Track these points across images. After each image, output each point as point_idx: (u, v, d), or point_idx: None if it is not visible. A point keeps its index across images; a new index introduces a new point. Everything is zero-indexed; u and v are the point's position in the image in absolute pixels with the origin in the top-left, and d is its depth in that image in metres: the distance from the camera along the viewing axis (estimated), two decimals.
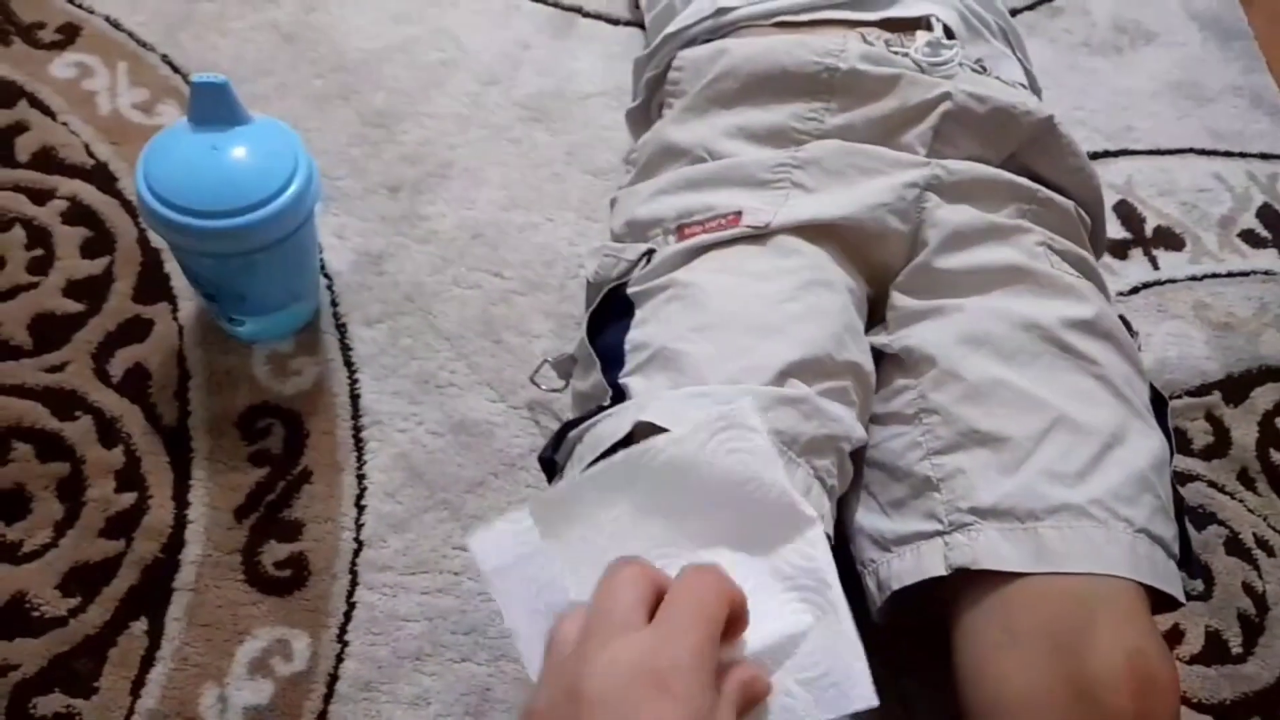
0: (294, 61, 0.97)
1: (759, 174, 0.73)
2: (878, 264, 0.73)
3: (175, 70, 0.94)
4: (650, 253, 0.71)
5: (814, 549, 0.48)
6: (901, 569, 0.64)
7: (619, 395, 0.63)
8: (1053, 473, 0.62)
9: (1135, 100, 1.12)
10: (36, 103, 0.89)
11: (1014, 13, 1.17)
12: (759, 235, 0.70)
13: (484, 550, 0.47)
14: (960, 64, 0.76)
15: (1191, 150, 1.09)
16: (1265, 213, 1.04)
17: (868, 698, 0.47)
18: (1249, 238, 1.02)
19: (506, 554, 0.47)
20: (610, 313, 0.69)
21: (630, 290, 0.69)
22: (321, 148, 0.91)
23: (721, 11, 0.81)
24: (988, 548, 0.61)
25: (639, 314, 0.68)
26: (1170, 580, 0.63)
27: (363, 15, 1.02)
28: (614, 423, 0.61)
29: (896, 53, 0.76)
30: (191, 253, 0.72)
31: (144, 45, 0.95)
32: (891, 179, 0.72)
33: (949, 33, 0.79)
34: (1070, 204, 0.75)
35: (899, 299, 0.72)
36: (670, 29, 0.85)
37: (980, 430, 0.64)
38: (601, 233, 0.89)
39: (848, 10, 0.79)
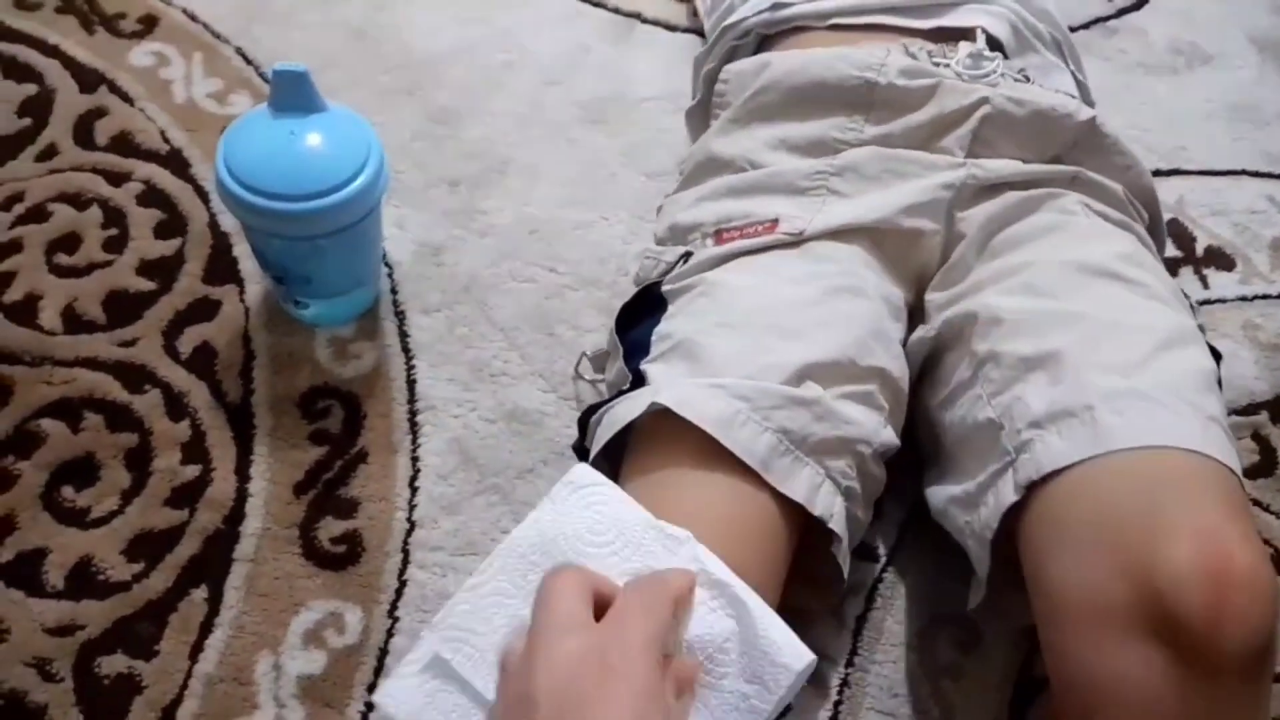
0: (363, 57, 1.00)
1: (797, 182, 0.75)
2: (915, 267, 0.75)
3: (248, 62, 0.97)
4: (688, 255, 0.73)
5: (700, 559, 0.52)
6: (987, 516, 0.62)
7: (639, 381, 0.65)
8: (1107, 365, 0.60)
9: (1189, 121, 1.11)
10: (116, 89, 0.93)
11: (1071, 30, 1.17)
12: (794, 242, 0.72)
13: (395, 702, 0.50)
14: (1002, 74, 0.77)
15: (1245, 172, 1.08)
16: None
17: (802, 654, 0.51)
18: None
19: (415, 698, 0.50)
20: (644, 309, 0.72)
21: (664, 288, 0.72)
22: (386, 141, 0.90)
23: (777, 6, 0.83)
24: (1047, 452, 0.58)
25: (670, 309, 0.70)
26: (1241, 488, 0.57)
27: (430, 15, 1.04)
28: (629, 404, 0.63)
29: (938, 64, 0.77)
30: (263, 234, 0.74)
31: (219, 37, 0.98)
32: (926, 180, 0.73)
33: (996, 44, 0.80)
34: (1118, 186, 0.75)
35: (934, 295, 0.73)
36: (728, 20, 0.87)
37: (1030, 356, 0.63)
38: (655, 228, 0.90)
39: (899, 16, 0.81)
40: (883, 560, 0.75)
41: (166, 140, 0.90)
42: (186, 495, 0.73)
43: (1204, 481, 0.55)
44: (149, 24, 0.98)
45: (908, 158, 0.74)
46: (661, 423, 0.61)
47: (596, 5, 1.09)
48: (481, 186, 0.92)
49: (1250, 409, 0.90)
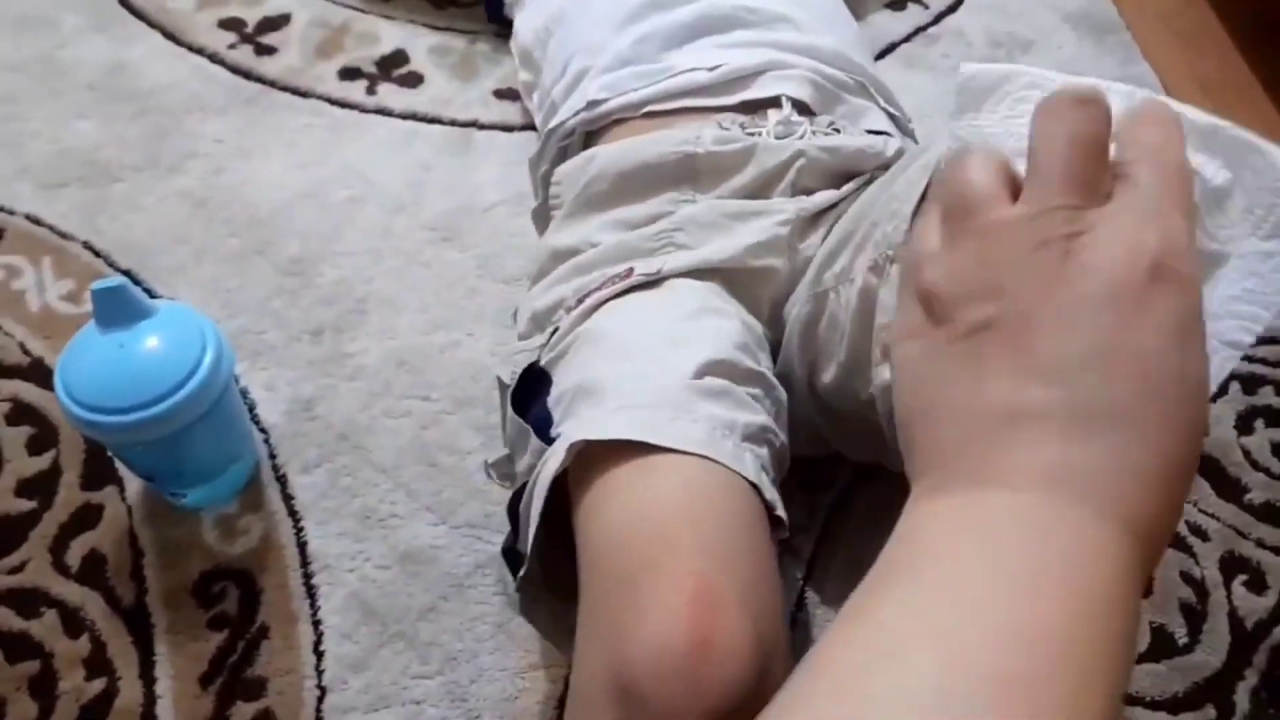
0: (208, 224, 1.00)
1: (641, 245, 0.77)
2: (768, 300, 0.77)
3: (97, 255, 0.96)
4: (555, 330, 0.74)
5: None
6: None
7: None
8: None
9: None
10: None
11: (891, 47, 1.20)
12: (652, 283, 0.74)
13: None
14: (812, 133, 0.80)
15: None
16: None
17: None
18: None
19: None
20: (531, 391, 0.72)
21: (543, 363, 0.72)
22: (243, 305, 0.94)
23: (593, 104, 0.86)
24: None
25: (555, 378, 0.71)
26: None
27: (269, 166, 1.05)
28: (551, 462, 0.62)
29: (751, 133, 0.80)
30: (121, 445, 0.74)
31: (65, 236, 0.98)
32: (764, 220, 0.76)
33: (803, 106, 0.82)
34: None
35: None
36: (552, 124, 0.89)
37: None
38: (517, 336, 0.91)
39: (706, 97, 0.83)
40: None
41: (26, 352, 0.90)
42: (96, 711, 0.72)
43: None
44: None
45: (741, 206, 0.77)
46: (594, 462, 0.61)
47: (431, 121, 1.10)
48: (344, 330, 0.93)
49: None
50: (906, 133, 0.89)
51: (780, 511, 0.63)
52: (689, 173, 0.79)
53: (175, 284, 0.95)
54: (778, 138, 0.80)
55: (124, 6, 1.18)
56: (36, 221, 0.99)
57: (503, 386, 0.75)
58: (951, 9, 1.25)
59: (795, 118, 0.81)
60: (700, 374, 0.65)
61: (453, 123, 1.09)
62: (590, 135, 0.87)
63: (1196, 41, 1.24)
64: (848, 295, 0.71)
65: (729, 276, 0.75)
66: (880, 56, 1.18)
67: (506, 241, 0.99)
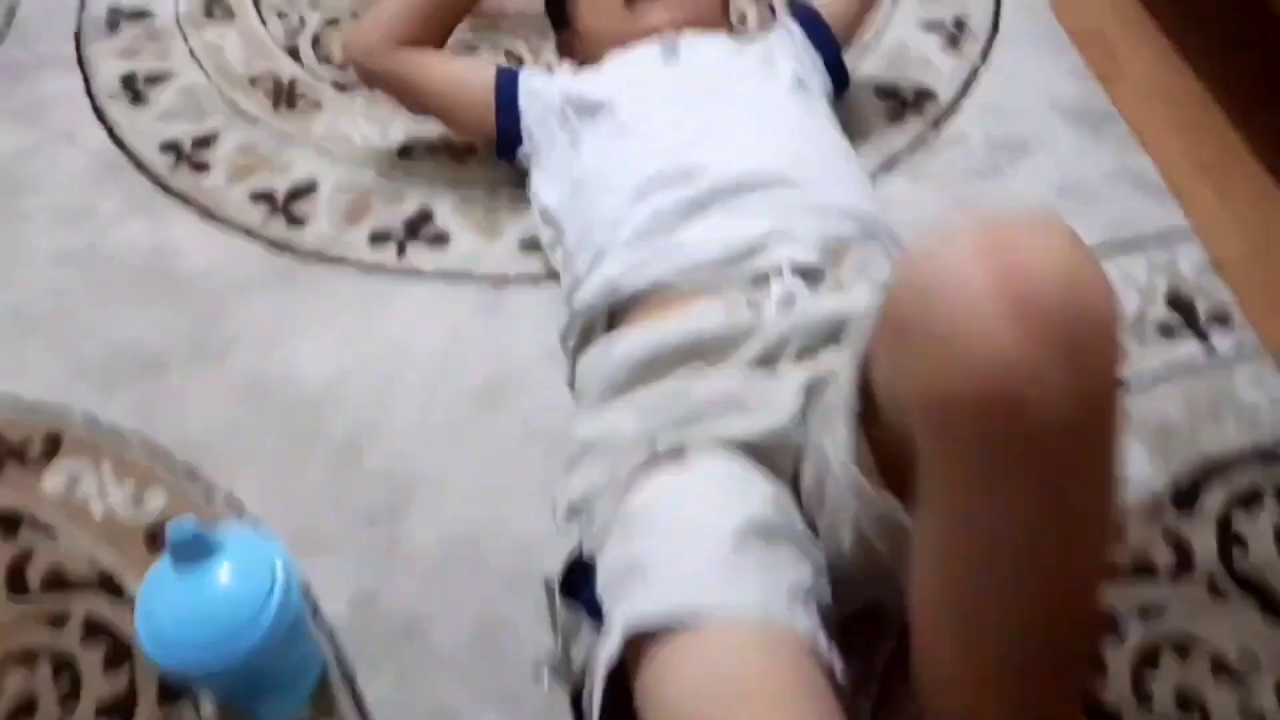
0: (259, 411, 0.97)
1: (663, 424, 0.75)
2: (789, 469, 0.74)
3: (156, 453, 0.94)
4: (592, 519, 0.72)
5: None
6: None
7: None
8: None
9: None
10: (36, 524, 0.90)
11: (893, 159, 1.16)
12: (676, 456, 0.72)
13: None
14: (811, 297, 0.79)
15: None
16: (1172, 297, 1.02)
17: None
18: (1163, 330, 1.00)
19: None
20: (580, 583, 0.70)
21: (587, 555, 0.70)
22: (299, 496, 0.91)
23: (614, 287, 0.85)
24: None
25: (600, 564, 0.69)
26: None
27: (311, 344, 1.02)
28: (607, 648, 0.60)
29: (754, 305, 0.79)
30: (200, 680, 0.72)
31: (122, 435, 0.95)
32: (778, 391, 0.74)
33: (808, 270, 0.80)
34: None
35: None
36: (576, 306, 0.89)
37: None
38: None
39: (718, 270, 0.82)
40: None
41: (95, 564, 0.87)
42: None
43: None
44: (53, 443, 0.95)
45: (754, 378, 0.76)
46: (649, 642, 0.59)
47: (462, 279, 1.07)
48: (397, 514, 0.89)
49: (1155, 507, 0.88)
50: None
51: (839, 672, 0.60)
52: (699, 351, 0.78)
53: (233, 477, 0.92)
54: (779, 305, 0.78)
55: (159, 187, 1.16)
56: (94, 422, 0.97)
57: (549, 589, 0.73)
58: (948, 113, 1.22)
59: (797, 285, 0.79)
60: (740, 537, 0.63)
61: (483, 278, 1.06)
62: (614, 313, 0.86)
63: (1192, 124, 1.20)
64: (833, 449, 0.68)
65: (751, 449, 0.73)
66: (883, 170, 1.15)
67: (546, 403, 0.96)
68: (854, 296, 0.78)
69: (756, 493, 0.69)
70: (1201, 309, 1.00)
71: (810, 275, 0.80)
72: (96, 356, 1.01)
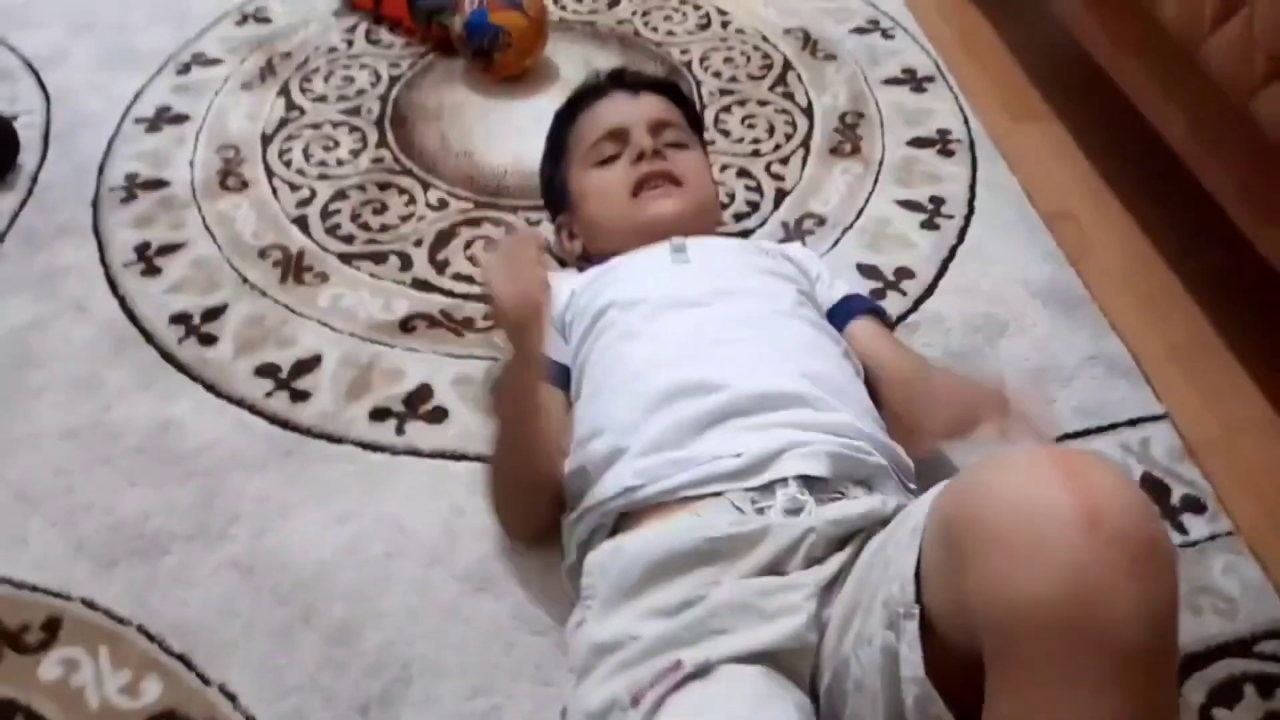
0: (255, 594, 0.99)
1: (681, 634, 0.77)
2: (806, 673, 0.77)
3: (152, 639, 0.95)
4: None
5: None
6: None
7: None
8: None
9: None
10: (32, 716, 0.91)
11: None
12: (703, 673, 0.74)
13: None
14: (817, 505, 0.83)
15: (1064, 436, 1.11)
16: (1146, 483, 1.06)
17: None
18: None
19: None
20: None
21: None
22: (292, 683, 0.92)
23: (630, 490, 0.88)
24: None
25: None
26: None
27: (309, 523, 1.05)
28: None
29: (760, 509, 0.83)
30: None
31: (120, 621, 0.97)
32: (791, 596, 0.78)
33: (814, 483, 0.84)
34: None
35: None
36: (588, 503, 0.91)
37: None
38: (559, 699, 0.89)
39: (732, 481, 0.85)
40: None
41: None
42: None
43: None
44: (52, 629, 0.96)
45: (766, 585, 0.79)
46: None
47: (459, 459, 1.11)
48: (390, 704, 0.91)
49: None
50: (909, 485, 0.91)
51: None
52: (710, 555, 0.81)
53: (227, 665, 0.93)
54: (786, 512, 0.82)
55: (167, 361, 1.21)
56: (92, 606, 0.98)
57: None
58: (928, 293, 1.28)
59: (801, 495, 0.83)
60: None
61: (478, 459, 1.10)
62: (623, 515, 0.89)
63: (1161, 306, 1.26)
64: (869, 656, 0.71)
65: (772, 657, 0.75)
66: None
67: (539, 588, 0.98)
68: (860, 505, 0.83)
69: (784, 713, 0.70)
70: (1175, 495, 1.04)
71: (816, 486, 0.84)
72: (97, 534, 1.04)
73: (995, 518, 0.59)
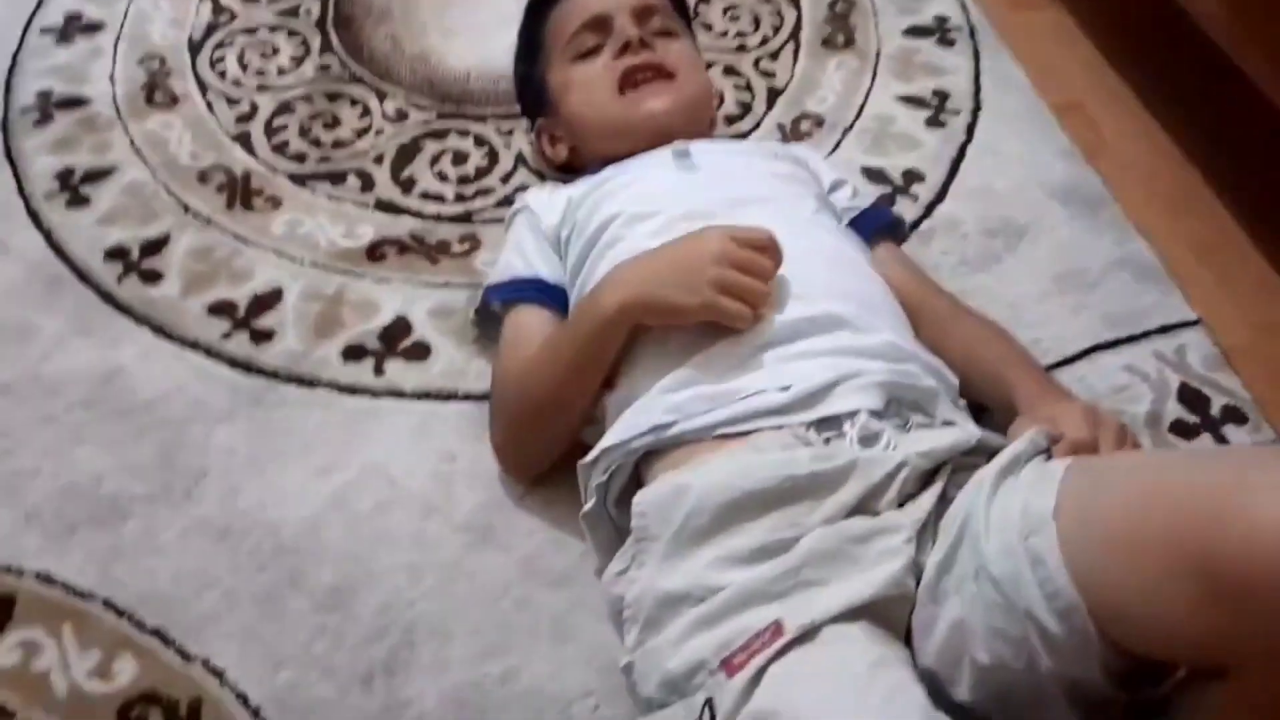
0: (233, 559, 0.90)
1: (770, 589, 0.70)
2: (906, 621, 0.71)
3: (121, 614, 0.87)
4: (708, 702, 0.67)
5: None
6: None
7: None
8: None
9: (1029, 309, 1.08)
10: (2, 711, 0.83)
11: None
12: (807, 636, 0.67)
13: None
14: (896, 444, 0.76)
15: (1096, 348, 1.06)
16: (1185, 394, 1.01)
17: None
18: (1180, 429, 0.99)
19: None
20: None
21: None
22: (285, 655, 0.84)
23: (660, 428, 0.80)
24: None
25: None
26: None
27: (287, 478, 0.96)
28: None
29: (828, 443, 0.76)
30: None
31: (83, 595, 0.88)
32: (889, 540, 0.71)
33: (876, 414, 0.77)
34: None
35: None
36: (608, 441, 0.83)
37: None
38: (581, 656, 0.83)
39: (780, 416, 0.78)
40: None
41: None
42: None
43: None
44: (5, 608, 0.87)
45: (859, 528, 0.72)
46: None
47: (447, 398, 1.02)
48: (396, 672, 0.84)
49: None
50: (958, 402, 0.85)
51: None
52: (792, 495, 0.74)
53: (209, 638, 0.85)
54: (863, 446, 0.76)
55: (107, 302, 1.09)
56: (49, 580, 0.89)
57: None
58: (939, 197, 1.20)
59: (874, 426, 0.77)
60: None
61: (468, 397, 1.01)
62: (646, 454, 0.81)
63: (1185, 204, 1.20)
64: (980, 590, 0.66)
65: (873, 609, 0.69)
66: None
67: (547, 536, 0.91)
68: (947, 435, 0.77)
69: (910, 699, 0.64)
70: (1215, 406, 1.00)
71: (881, 417, 0.77)
72: (47, 503, 0.94)
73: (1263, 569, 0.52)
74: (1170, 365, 1.03)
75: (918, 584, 0.70)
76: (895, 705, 0.63)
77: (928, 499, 0.73)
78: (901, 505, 0.73)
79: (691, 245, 0.83)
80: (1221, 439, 0.98)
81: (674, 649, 0.70)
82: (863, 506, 0.73)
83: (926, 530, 0.72)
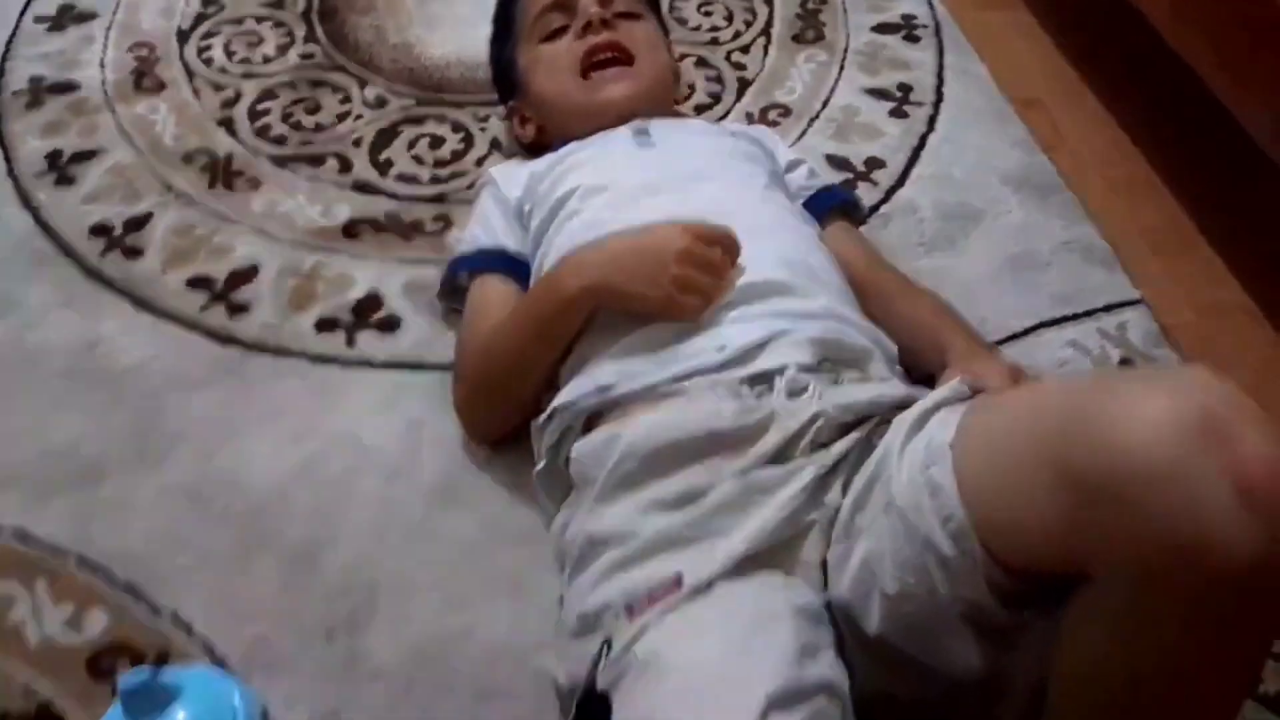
0: (204, 520, 0.93)
1: (681, 534, 0.74)
2: (815, 562, 0.74)
3: (95, 570, 0.89)
4: (608, 641, 0.71)
5: None
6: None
7: None
8: None
9: (980, 289, 1.12)
10: None
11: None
12: (702, 590, 0.70)
13: None
14: (820, 394, 0.79)
15: (1041, 324, 1.09)
16: (1124, 367, 1.04)
17: None
18: None
19: None
20: (592, 711, 0.69)
21: (600, 687, 0.69)
22: (251, 611, 0.87)
23: (604, 389, 0.83)
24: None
25: (615, 706, 0.68)
26: None
27: (259, 443, 0.98)
28: None
29: (761, 395, 0.79)
30: None
31: (57, 551, 0.90)
32: (790, 487, 0.75)
33: (807, 369, 0.80)
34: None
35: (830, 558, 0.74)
36: (558, 402, 0.86)
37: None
38: (539, 611, 0.86)
39: (715, 373, 0.81)
40: None
41: (33, 697, 0.82)
42: None
43: None
44: None
45: (766, 478, 0.75)
46: None
47: (415, 368, 1.05)
48: (358, 626, 0.86)
49: None
50: (895, 368, 0.87)
51: None
52: (715, 445, 0.78)
53: (179, 593, 0.87)
54: (789, 398, 0.79)
55: (90, 276, 1.12)
56: (25, 537, 0.91)
57: (560, 692, 0.73)
58: (899, 183, 1.24)
59: (801, 379, 0.80)
60: (767, 712, 0.62)
61: (436, 367, 1.04)
62: (593, 414, 0.84)
63: (1135, 192, 1.24)
64: (889, 521, 0.70)
65: (771, 556, 0.73)
66: None
67: (509, 497, 0.94)
68: (868, 390, 0.80)
69: (781, 643, 0.66)
70: None
71: (812, 372, 0.80)
72: (27, 464, 0.97)
73: (1141, 480, 0.53)
74: (1112, 340, 1.06)
75: (831, 524, 0.73)
76: (757, 662, 0.65)
77: (840, 446, 0.76)
78: (814, 453, 0.76)
79: (657, 240, 0.85)
80: None
81: (591, 589, 0.74)
82: (780, 456, 0.76)
83: (836, 474, 0.75)
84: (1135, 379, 0.62)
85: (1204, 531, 0.51)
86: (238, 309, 1.09)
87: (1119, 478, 0.53)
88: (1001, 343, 1.05)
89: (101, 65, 1.38)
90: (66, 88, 1.35)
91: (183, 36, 1.43)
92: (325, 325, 1.08)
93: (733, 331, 0.82)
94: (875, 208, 1.20)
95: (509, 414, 0.94)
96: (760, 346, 0.81)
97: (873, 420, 0.78)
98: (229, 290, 1.11)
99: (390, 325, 1.08)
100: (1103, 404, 0.56)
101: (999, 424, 0.65)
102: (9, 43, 1.42)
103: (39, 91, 1.34)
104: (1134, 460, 0.53)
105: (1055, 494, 0.57)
